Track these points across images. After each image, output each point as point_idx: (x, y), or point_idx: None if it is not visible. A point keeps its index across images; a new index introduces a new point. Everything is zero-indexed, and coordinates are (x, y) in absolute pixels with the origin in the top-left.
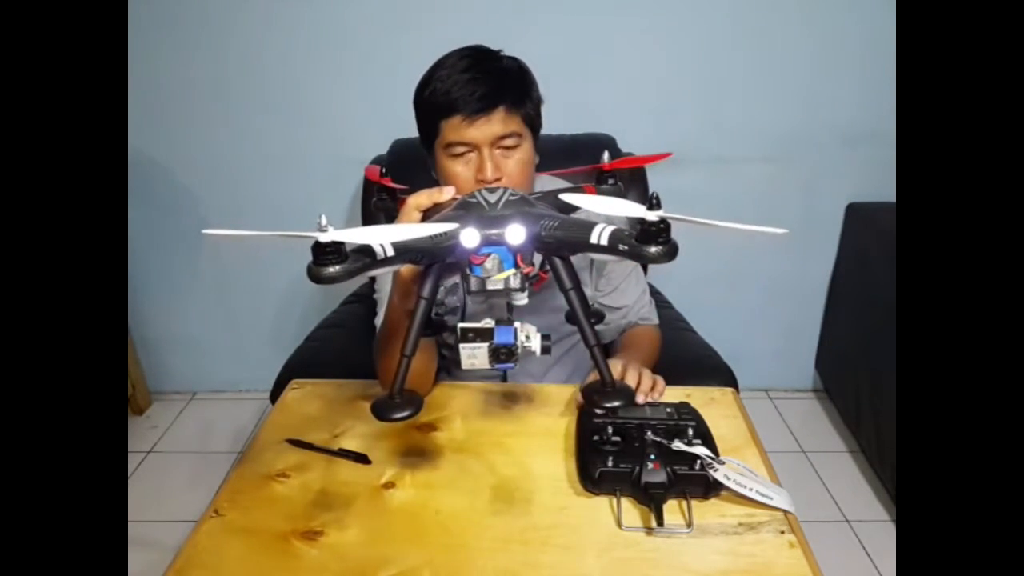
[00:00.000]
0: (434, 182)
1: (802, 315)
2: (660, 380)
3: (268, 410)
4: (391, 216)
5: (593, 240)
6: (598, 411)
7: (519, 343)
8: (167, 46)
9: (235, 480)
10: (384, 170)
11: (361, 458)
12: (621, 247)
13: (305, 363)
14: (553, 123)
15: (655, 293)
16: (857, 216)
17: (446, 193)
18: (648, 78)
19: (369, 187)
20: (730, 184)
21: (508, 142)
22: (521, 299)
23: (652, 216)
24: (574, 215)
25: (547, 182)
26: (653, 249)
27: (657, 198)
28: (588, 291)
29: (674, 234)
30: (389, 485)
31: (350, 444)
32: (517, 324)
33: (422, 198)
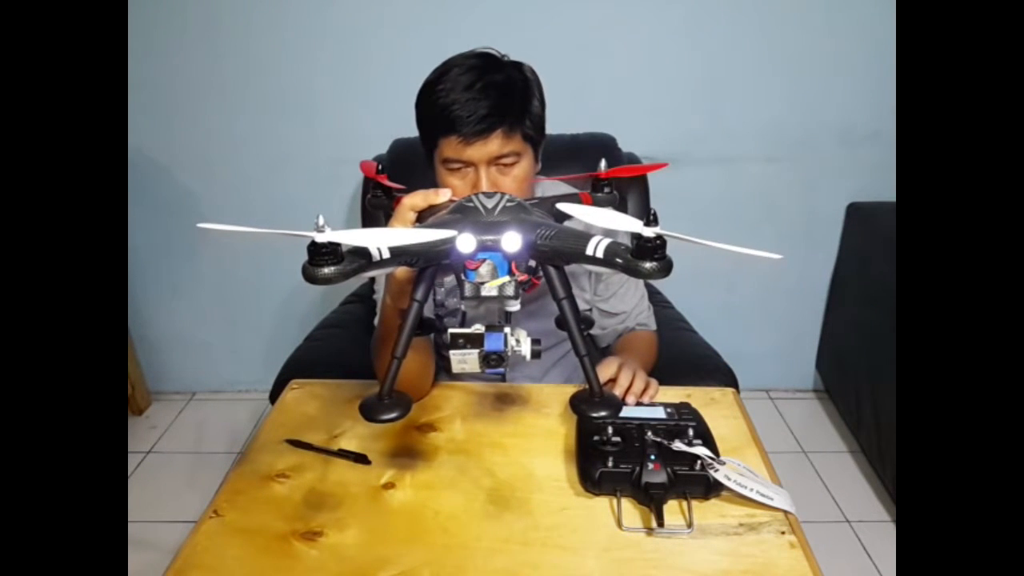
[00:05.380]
0: (435, 181)
1: (802, 315)
2: (653, 383)
3: (267, 410)
4: (389, 214)
5: (589, 252)
6: None
7: (509, 349)
8: (167, 46)
9: (234, 480)
10: (380, 167)
11: (361, 458)
12: (616, 260)
13: (305, 363)
14: (553, 123)
15: (655, 293)
16: (857, 216)
17: (442, 195)
18: (648, 78)
19: (368, 184)
20: (730, 184)
21: (506, 160)
22: (514, 306)
23: (649, 232)
24: (569, 222)
25: (548, 186)
26: (648, 265)
27: (655, 214)
28: (587, 295)
29: (675, 231)
30: (389, 486)
31: (350, 444)
32: (507, 330)
33: (417, 199)
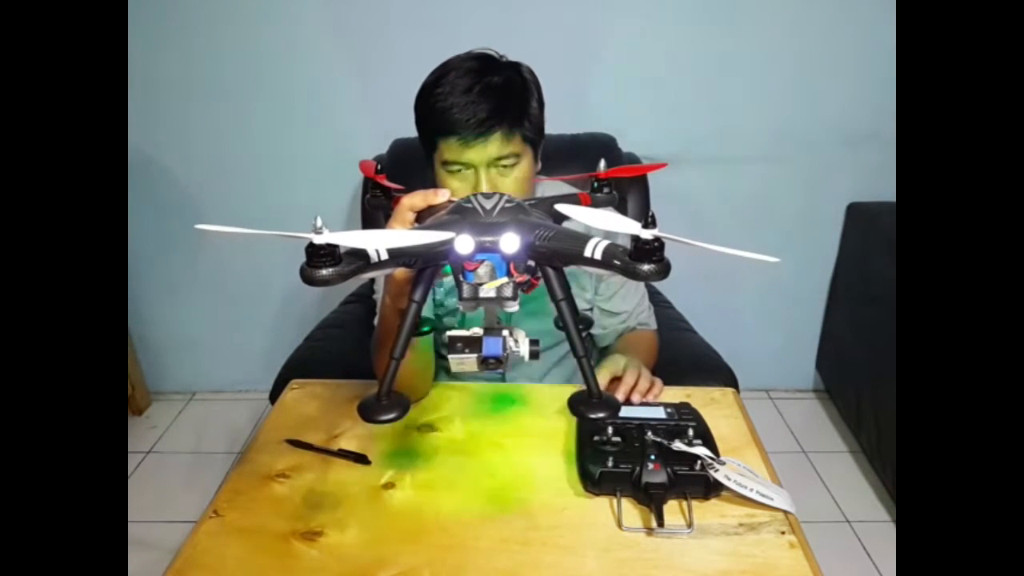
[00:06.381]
0: (434, 182)
1: (802, 315)
2: (658, 381)
3: (267, 410)
4: (388, 214)
5: (587, 253)
6: None
7: (508, 350)
8: (167, 46)
9: (234, 480)
10: (379, 167)
11: (361, 458)
12: (615, 262)
13: (305, 363)
14: (553, 123)
15: (655, 293)
16: (857, 216)
17: (441, 195)
18: (648, 78)
19: (368, 184)
20: (730, 184)
21: (505, 162)
22: (512, 307)
23: (647, 234)
24: (567, 223)
25: (548, 187)
26: (646, 267)
27: (653, 216)
28: (588, 295)
29: (674, 231)
30: (389, 486)
31: (349, 444)
32: (506, 332)
33: (416, 199)
